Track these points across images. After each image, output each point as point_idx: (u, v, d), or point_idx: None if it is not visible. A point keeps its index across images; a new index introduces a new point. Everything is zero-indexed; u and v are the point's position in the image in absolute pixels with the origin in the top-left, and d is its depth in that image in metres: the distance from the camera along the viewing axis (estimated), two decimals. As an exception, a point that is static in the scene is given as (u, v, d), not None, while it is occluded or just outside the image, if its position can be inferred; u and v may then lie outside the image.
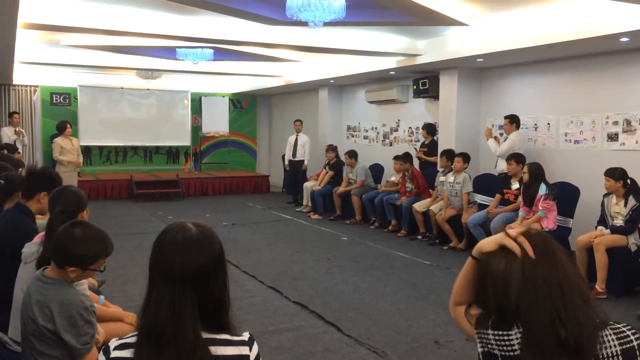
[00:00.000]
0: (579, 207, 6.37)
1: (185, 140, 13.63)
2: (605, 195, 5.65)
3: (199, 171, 13.58)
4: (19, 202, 3.36)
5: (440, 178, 7.75)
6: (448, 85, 8.39)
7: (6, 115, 11.56)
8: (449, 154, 7.63)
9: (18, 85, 12.23)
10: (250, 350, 1.46)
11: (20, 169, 5.08)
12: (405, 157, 8.30)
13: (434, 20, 6.21)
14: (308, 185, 10.30)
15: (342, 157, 9.81)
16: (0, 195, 3.95)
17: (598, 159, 6.54)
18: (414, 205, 7.82)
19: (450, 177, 7.38)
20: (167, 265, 1.42)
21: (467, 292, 1.54)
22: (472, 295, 1.52)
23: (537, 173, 6.20)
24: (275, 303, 5.00)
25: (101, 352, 1.43)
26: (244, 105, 14.62)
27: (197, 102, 13.58)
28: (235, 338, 1.46)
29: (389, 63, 8.53)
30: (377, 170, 9.83)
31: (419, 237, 7.78)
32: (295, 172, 11.06)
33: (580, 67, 6.90)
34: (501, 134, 7.80)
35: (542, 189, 6.09)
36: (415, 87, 9.10)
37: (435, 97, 8.79)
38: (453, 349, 3.97)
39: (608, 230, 5.43)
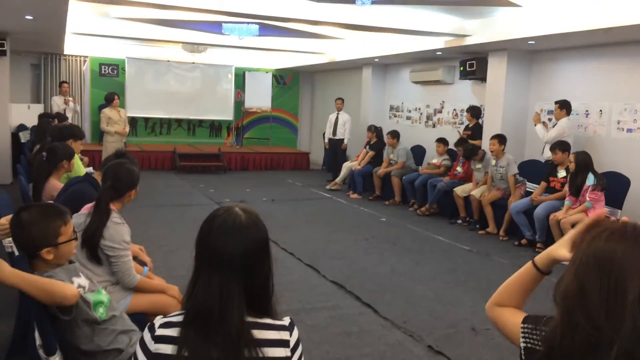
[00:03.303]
0: (628, 198, 6.16)
1: (227, 115, 13.75)
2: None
3: (240, 146, 13.71)
4: (89, 174, 3.47)
5: (477, 165, 7.61)
6: (496, 68, 8.17)
7: (57, 85, 11.88)
8: (474, 151, 7.62)
9: (69, 55, 12.52)
10: (291, 335, 1.48)
11: (78, 140, 5.16)
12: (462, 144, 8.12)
13: (486, 0, 6.02)
14: (348, 164, 10.28)
15: (385, 138, 9.72)
16: (44, 167, 4.09)
17: (652, 150, 6.29)
18: (455, 190, 7.71)
19: (492, 161, 7.23)
20: (217, 251, 1.44)
21: (520, 298, 1.48)
22: (523, 301, 1.46)
23: (584, 163, 6.01)
24: (312, 281, 5.04)
25: (146, 329, 1.47)
26: (287, 81, 14.61)
27: (240, 77, 13.65)
28: (277, 322, 1.48)
29: (436, 43, 8.35)
30: (418, 152, 9.72)
31: (459, 221, 7.68)
32: (335, 151, 11.04)
33: (637, 53, 6.59)
34: (550, 120, 7.58)
35: (590, 179, 5.91)
36: (462, 68, 8.89)
37: (483, 79, 8.58)
38: (490, 337, 3.93)
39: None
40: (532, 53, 8.05)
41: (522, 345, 1.35)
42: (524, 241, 6.58)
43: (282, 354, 1.44)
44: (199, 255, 1.48)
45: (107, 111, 9.31)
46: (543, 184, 6.71)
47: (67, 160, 4.18)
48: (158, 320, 1.47)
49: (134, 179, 2.96)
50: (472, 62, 8.58)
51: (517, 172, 7.09)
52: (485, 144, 7.84)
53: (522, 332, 1.36)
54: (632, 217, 1.32)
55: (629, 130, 6.69)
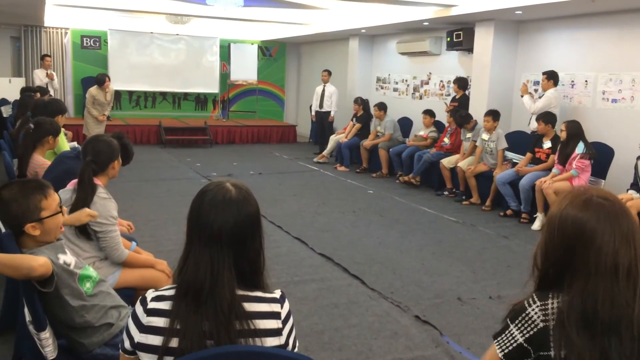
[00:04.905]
0: (612, 168, 6.24)
1: (213, 88, 13.61)
2: (638, 158, 5.51)
3: (226, 119, 13.60)
4: (78, 151, 3.41)
5: (467, 134, 7.63)
6: (483, 38, 8.14)
7: (38, 57, 11.65)
8: (467, 118, 7.56)
9: (49, 27, 12.25)
10: (282, 307, 1.50)
11: (59, 115, 5.12)
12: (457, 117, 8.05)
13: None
14: (335, 137, 10.26)
15: (372, 110, 9.69)
16: (30, 140, 4.04)
17: (636, 120, 6.35)
18: (441, 161, 7.74)
19: (484, 135, 7.23)
20: (206, 225, 1.45)
21: None
22: None
23: (576, 131, 6.06)
24: (300, 254, 5.07)
25: (138, 302, 1.48)
26: (272, 53, 14.45)
27: (226, 49, 13.47)
28: (268, 295, 1.49)
29: (423, 13, 8.29)
30: (405, 124, 9.72)
31: (446, 193, 7.74)
32: (322, 123, 11.01)
33: (624, 23, 6.60)
34: (536, 90, 7.60)
35: (580, 148, 5.97)
36: (448, 39, 8.85)
37: (469, 50, 8.56)
38: (476, 306, 4.00)
39: (638, 195, 5.31)
40: (519, 23, 8.02)
41: (502, 354, 1.40)
42: (509, 212, 6.65)
43: (274, 325, 1.46)
44: (189, 230, 1.49)
45: (93, 90, 9.07)
46: (528, 155, 6.76)
47: (53, 137, 4.13)
48: (150, 294, 1.48)
49: (114, 150, 2.94)
50: (459, 33, 8.54)
51: (506, 146, 7.10)
52: (474, 116, 7.86)
53: (497, 346, 1.41)
54: (615, 187, 1.38)
55: (614, 101, 6.74)
